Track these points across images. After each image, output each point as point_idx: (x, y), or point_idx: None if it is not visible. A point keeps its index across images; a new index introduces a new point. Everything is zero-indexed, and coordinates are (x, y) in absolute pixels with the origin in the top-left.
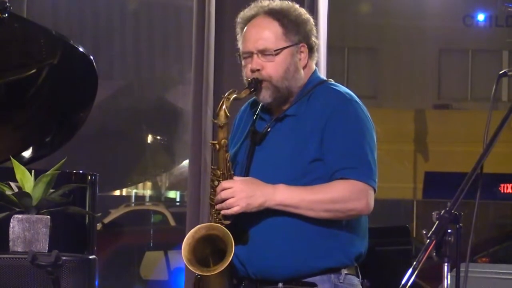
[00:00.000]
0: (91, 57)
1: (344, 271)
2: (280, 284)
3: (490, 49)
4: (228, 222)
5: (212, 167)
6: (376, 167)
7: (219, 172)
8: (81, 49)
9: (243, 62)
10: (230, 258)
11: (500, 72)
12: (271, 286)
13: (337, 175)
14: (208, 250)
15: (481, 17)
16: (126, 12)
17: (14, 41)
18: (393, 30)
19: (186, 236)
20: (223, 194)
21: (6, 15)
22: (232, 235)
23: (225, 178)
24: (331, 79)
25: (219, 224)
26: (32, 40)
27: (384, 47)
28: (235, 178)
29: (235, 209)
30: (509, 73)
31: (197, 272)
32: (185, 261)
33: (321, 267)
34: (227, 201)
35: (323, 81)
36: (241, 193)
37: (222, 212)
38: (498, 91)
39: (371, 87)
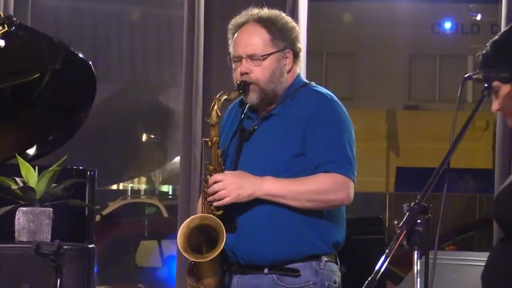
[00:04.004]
0: (90, 62)
1: (325, 258)
2: (266, 270)
3: (456, 55)
4: (220, 212)
5: (205, 162)
6: (355, 161)
7: (211, 167)
8: (81, 55)
9: (233, 66)
10: (222, 246)
11: (465, 76)
12: (257, 271)
13: (320, 168)
14: (201, 238)
15: (448, 25)
16: (122, 21)
17: (20, 48)
18: (368, 37)
19: (181, 226)
20: (215, 187)
21: (13, 28)
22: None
23: (217, 173)
24: (313, 82)
25: (211, 215)
26: (35, 47)
27: (359, 52)
28: (226, 172)
29: (226, 200)
30: (474, 77)
31: (191, 259)
32: (180, 249)
33: (303, 253)
34: (219, 193)
35: (306, 84)
36: (231, 185)
37: (215, 203)
38: (463, 93)
39: (347, 89)
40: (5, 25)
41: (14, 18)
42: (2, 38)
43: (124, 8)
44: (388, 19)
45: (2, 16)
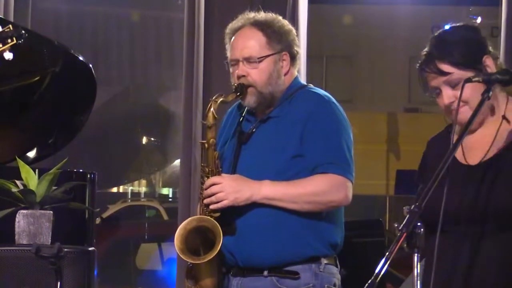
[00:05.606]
0: (90, 65)
1: (324, 261)
2: (265, 272)
3: None
4: (217, 214)
5: (202, 164)
6: (353, 162)
7: (208, 169)
8: (81, 58)
9: (231, 69)
10: (219, 247)
11: (465, 79)
12: (256, 274)
13: (318, 170)
14: (199, 240)
15: (448, 28)
16: (122, 24)
17: (20, 51)
18: (368, 40)
19: (179, 228)
20: (212, 189)
21: (22, 40)
22: (220, 227)
23: (214, 175)
24: (310, 84)
25: (208, 217)
26: (36, 50)
27: (359, 55)
28: (223, 175)
29: (224, 203)
30: (473, 80)
31: (189, 261)
32: (177, 251)
33: (302, 255)
34: (217, 195)
35: (303, 86)
36: (229, 188)
37: (211, 206)
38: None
39: (347, 92)
40: (14, 38)
41: (23, 31)
42: (10, 51)
43: (124, 11)
44: (388, 22)
45: (11, 28)
